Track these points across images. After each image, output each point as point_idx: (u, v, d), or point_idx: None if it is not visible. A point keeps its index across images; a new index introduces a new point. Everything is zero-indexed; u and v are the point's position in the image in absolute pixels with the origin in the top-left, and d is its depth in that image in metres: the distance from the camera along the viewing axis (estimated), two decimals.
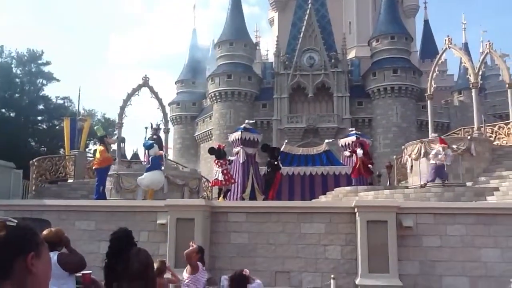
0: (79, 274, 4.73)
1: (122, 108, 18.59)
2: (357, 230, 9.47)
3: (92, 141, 41.63)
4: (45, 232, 4.68)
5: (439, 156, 14.16)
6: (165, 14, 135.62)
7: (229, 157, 16.76)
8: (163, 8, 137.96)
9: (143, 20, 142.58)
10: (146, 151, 14.04)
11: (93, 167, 13.13)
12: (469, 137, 16.21)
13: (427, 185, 14.26)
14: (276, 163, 17.06)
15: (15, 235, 1.41)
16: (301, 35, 46.38)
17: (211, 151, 15.99)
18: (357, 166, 17.08)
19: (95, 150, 16.47)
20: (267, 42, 62.17)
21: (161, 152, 13.74)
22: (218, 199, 14.92)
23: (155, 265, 5.71)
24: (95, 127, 15.52)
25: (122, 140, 19.07)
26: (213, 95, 47.54)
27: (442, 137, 17.60)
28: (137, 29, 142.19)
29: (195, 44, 58.70)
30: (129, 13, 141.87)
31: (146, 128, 18.14)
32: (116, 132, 18.70)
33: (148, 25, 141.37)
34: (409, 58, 47.06)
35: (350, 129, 27.10)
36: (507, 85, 20.29)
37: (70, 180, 17.02)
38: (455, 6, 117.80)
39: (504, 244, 9.21)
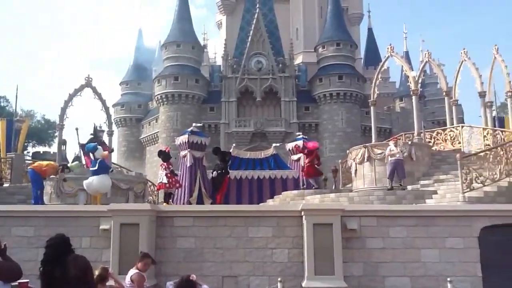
0: (15, 283, 4.46)
1: (63, 109, 17.93)
2: (304, 233, 9.57)
3: (30, 143, 39.77)
4: None
5: (393, 152, 14.69)
6: (111, 12, 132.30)
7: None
8: (108, 7, 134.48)
9: (88, 18, 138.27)
10: (91, 154, 13.47)
11: (30, 168, 12.47)
12: (409, 142, 16.84)
13: (390, 186, 14.59)
14: (224, 167, 16.98)
15: None
16: (249, 39, 46.68)
17: (160, 153, 15.69)
18: (307, 166, 17.30)
19: (28, 152, 15.71)
20: (215, 45, 62.10)
21: (106, 153, 13.27)
22: (164, 204, 14.63)
23: (96, 272, 5.49)
24: (72, 163, 15.06)
25: (63, 142, 18.35)
26: (159, 97, 46.78)
27: (384, 142, 18.23)
28: (82, 27, 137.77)
29: (141, 45, 57.60)
30: (73, 11, 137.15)
31: (77, 129, 17.40)
32: (56, 134, 17.95)
33: (93, 24, 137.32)
34: (354, 65, 48.55)
35: (297, 133, 27.46)
36: (444, 93, 21.34)
37: (6, 184, 16.15)
38: (397, 16, 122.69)
39: (442, 244, 9.61)
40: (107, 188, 12.70)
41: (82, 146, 15.85)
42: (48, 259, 4.06)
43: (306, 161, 17.27)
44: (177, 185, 14.89)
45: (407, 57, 50.05)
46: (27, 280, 4.64)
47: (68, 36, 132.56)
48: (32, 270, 7.93)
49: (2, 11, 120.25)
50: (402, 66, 20.60)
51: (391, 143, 15.27)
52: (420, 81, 20.67)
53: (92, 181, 12.35)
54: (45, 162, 12.92)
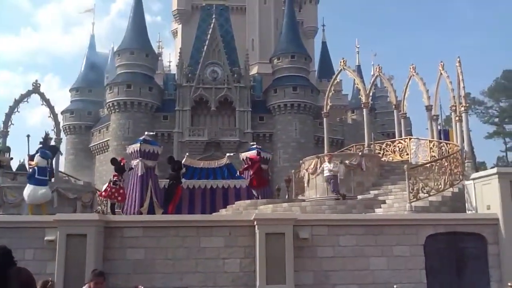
0: None
1: (8, 115, 17.18)
2: (256, 242, 9.58)
3: None
4: None
5: (330, 168, 15.15)
6: (56, 12, 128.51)
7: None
8: (53, 6, 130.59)
9: (31, 19, 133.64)
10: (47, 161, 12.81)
11: None
12: (360, 153, 17.26)
13: (325, 197, 14.92)
14: (177, 176, 16.75)
15: None
16: (205, 48, 46.62)
17: (114, 162, 15.25)
18: (250, 178, 17.42)
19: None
20: (170, 54, 61.56)
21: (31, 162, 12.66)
22: (112, 214, 14.24)
23: (38, 285, 5.24)
24: None
25: (7, 149, 17.57)
26: (111, 105, 45.75)
27: (335, 152, 18.59)
28: (24, 27, 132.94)
29: (93, 51, 56.19)
30: (14, 9, 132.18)
31: (28, 136, 16.72)
32: (0, 140, 17.16)
33: (37, 25, 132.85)
34: (308, 77, 49.40)
35: (252, 143, 27.55)
36: (393, 106, 22.05)
37: None
38: (350, 31, 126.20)
39: (390, 253, 9.88)
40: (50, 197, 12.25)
41: (30, 156, 15.12)
42: None
43: (251, 172, 17.38)
44: (119, 198, 14.45)
45: (359, 70, 51.53)
46: None
47: (9, 34, 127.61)
48: None
49: None
50: (354, 79, 21.15)
51: (326, 159, 15.80)
52: (371, 94, 21.27)
53: (38, 190, 11.86)
54: None
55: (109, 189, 14.11)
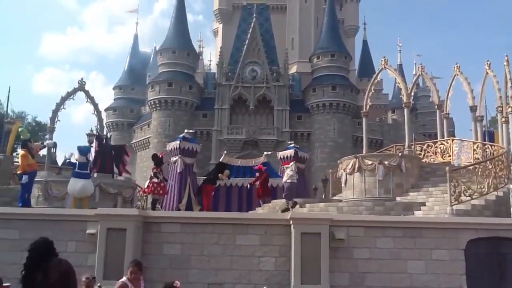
0: None
1: (55, 112, 17.84)
2: (291, 242, 9.55)
3: (19, 145, 39.49)
4: None
5: (292, 174, 14.96)
6: (101, 12, 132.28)
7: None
8: (99, 6, 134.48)
9: (78, 18, 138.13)
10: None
11: (18, 172, 12.28)
12: (400, 154, 16.92)
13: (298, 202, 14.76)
14: (213, 177, 16.75)
15: None
16: (245, 47, 46.82)
17: (153, 157, 15.53)
18: (257, 188, 17.24)
19: (17, 154, 15.55)
20: (211, 53, 62.23)
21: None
22: (152, 209, 14.52)
23: (82, 280, 5.41)
24: (19, 130, 14.62)
25: (54, 145, 18.25)
26: (152, 103, 46.70)
27: (375, 152, 18.29)
28: (71, 27, 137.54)
29: (136, 50, 57.56)
30: (62, 9, 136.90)
31: (92, 132, 17.29)
32: (47, 136, 17.84)
33: (83, 24, 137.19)
34: (348, 76, 48.78)
35: (289, 142, 27.53)
36: (436, 106, 21.50)
37: None
38: (392, 29, 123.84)
39: (428, 256, 9.63)
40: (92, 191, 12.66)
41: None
42: (30, 263, 4.00)
43: (257, 182, 17.17)
44: (161, 192, 14.66)
45: (400, 70, 50.37)
46: (9, 284, 4.58)
47: (57, 34, 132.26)
48: (15, 274, 7.85)
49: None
50: (395, 79, 20.74)
51: (289, 164, 15.63)
52: (412, 93, 20.81)
53: (86, 184, 12.26)
54: (21, 161, 12.41)
55: (151, 184, 14.40)
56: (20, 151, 12.22)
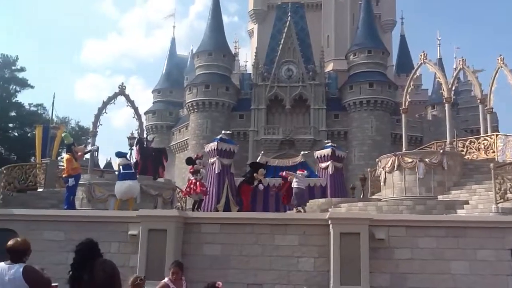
0: None
1: (97, 117, 18.37)
2: (330, 242, 9.49)
3: (64, 150, 40.88)
4: (11, 242, 4.50)
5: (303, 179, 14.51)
6: (139, 17, 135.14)
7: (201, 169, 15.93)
8: (137, 11, 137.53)
9: (116, 24, 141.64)
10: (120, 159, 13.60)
11: (63, 176, 12.71)
12: (441, 151, 16.50)
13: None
14: (249, 177, 16.78)
15: None
16: (280, 47, 46.77)
17: (189, 161, 15.77)
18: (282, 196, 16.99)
19: (62, 158, 16.10)
20: (246, 53, 62.51)
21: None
22: (192, 210, 14.75)
23: (130, 280, 5.56)
24: (62, 135, 15.14)
25: (96, 149, 18.79)
26: (190, 105, 47.36)
27: (414, 150, 17.89)
28: (110, 33, 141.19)
29: (173, 53, 58.57)
30: (102, 16, 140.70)
31: (132, 135, 17.73)
32: (90, 140, 18.42)
33: (122, 30, 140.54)
34: (385, 72, 47.91)
35: (326, 141, 27.28)
36: (478, 101, 20.83)
37: (40, 189, 16.62)
38: (430, 23, 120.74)
39: (473, 256, 9.35)
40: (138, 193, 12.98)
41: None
42: (76, 263, 4.13)
43: (283, 190, 16.83)
44: (197, 190, 14.74)
45: (440, 64, 49.07)
46: (57, 284, 4.77)
47: (97, 40, 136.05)
48: (62, 274, 8.14)
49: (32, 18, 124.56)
50: (435, 73, 20.25)
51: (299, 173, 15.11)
52: (453, 88, 20.26)
53: (132, 184, 12.59)
54: (66, 164, 12.76)
55: (192, 185, 14.58)
56: (65, 156, 12.66)
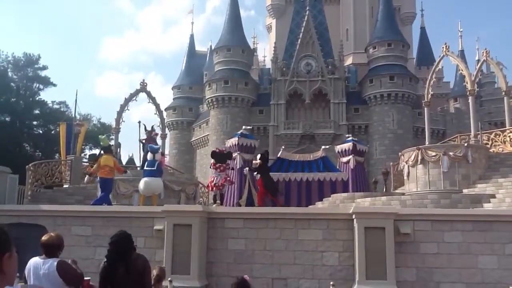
0: None
1: (119, 113, 18.59)
2: (355, 236, 9.45)
3: (87, 146, 41.48)
4: (45, 237, 4.60)
5: None
6: (156, 13, 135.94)
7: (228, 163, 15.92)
8: (154, 8, 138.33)
9: (133, 21, 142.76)
10: (150, 154, 13.59)
11: (101, 175, 12.65)
12: (465, 144, 16.25)
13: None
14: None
15: None
16: (299, 41, 46.53)
17: (213, 155, 15.72)
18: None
19: (95, 156, 16.23)
20: (265, 48, 62.50)
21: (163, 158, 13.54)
22: (215, 205, 14.84)
23: (154, 272, 5.66)
24: (99, 137, 15.35)
25: (118, 145, 19.03)
26: (210, 101, 47.56)
27: (438, 143, 17.63)
28: (128, 30, 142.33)
29: (192, 49, 58.81)
30: (119, 13, 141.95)
31: (139, 122, 17.60)
32: (112, 137, 18.65)
33: (139, 26, 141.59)
34: (406, 65, 47.30)
35: (347, 135, 27.16)
36: (503, 93, 20.42)
37: (65, 185, 16.94)
38: (451, 14, 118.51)
39: (501, 251, 9.21)
40: (161, 189, 13.06)
41: (144, 140, 16.14)
42: (112, 256, 4.18)
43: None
44: (228, 179, 14.80)
45: (462, 56, 48.16)
46: (89, 278, 4.86)
47: (115, 37, 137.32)
48: (90, 268, 8.32)
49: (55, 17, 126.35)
50: (457, 66, 19.95)
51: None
52: (476, 80, 19.90)
53: (150, 182, 12.61)
54: (108, 163, 12.84)
55: (217, 178, 14.62)
56: (108, 156, 12.66)
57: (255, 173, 16.08)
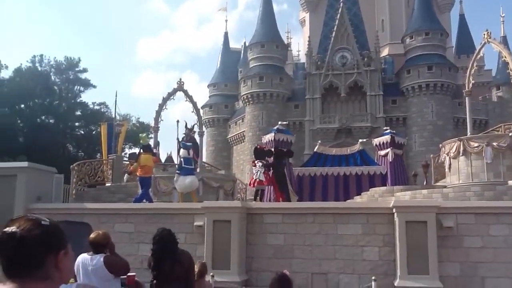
0: (124, 277, 4.83)
1: (158, 113, 18.91)
2: (396, 230, 9.32)
3: (127, 145, 42.52)
4: (93, 235, 4.80)
5: None
6: (190, 12, 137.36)
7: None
8: (187, 7, 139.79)
9: (168, 21, 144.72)
10: (183, 151, 13.77)
11: (140, 174, 12.97)
12: (510, 134, 15.69)
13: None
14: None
15: (48, 233, 1.50)
16: (333, 34, 45.99)
17: (256, 151, 15.73)
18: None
19: (135, 155, 16.61)
20: (298, 42, 62.07)
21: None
22: (255, 201, 14.93)
23: (196, 267, 5.77)
24: (140, 135, 15.67)
25: (157, 143, 19.38)
26: (245, 97, 47.75)
27: (480, 134, 17.09)
28: (163, 30, 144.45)
29: (227, 47, 59.13)
30: (154, 14, 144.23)
31: (178, 121, 17.83)
32: (152, 135, 19.03)
33: (174, 26, 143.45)
34: (445, 54, 45.99)
35: (384, 128, 26.71)
36: None
37: (108, 184, 17.42)
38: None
39: None
40: (196, 185, 13.25)
41: (181, 141, 16.42)
42: (159, 253, 4.27)
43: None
44: (263, 182, 14.95)
45: (504, 42, 46.36)
46: (134, 274, 5.02)
47: (150, 37, 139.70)
48: (133, 264, 8.54)
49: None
50: (499, 53, 19.20)
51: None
52: None
53: (187, 180, 12.81)
54: (148, 163, 13.14)
55: (267, 177, 14.69)
56: (147, 155, 13.00)
57: (270, 168, 15.94)
